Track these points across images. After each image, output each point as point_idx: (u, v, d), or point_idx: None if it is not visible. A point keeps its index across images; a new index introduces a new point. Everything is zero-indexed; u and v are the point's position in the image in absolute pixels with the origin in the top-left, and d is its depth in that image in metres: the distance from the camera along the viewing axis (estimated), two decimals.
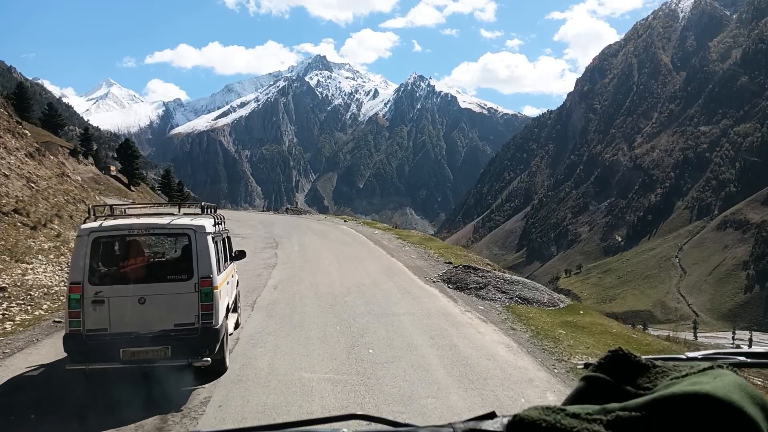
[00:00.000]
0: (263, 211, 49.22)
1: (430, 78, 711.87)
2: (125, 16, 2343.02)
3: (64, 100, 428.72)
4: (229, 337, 8.02)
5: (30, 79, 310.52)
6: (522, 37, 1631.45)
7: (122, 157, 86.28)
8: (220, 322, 7.17)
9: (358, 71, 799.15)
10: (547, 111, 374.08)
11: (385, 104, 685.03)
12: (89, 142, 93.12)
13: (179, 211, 8.38)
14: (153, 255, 9.02)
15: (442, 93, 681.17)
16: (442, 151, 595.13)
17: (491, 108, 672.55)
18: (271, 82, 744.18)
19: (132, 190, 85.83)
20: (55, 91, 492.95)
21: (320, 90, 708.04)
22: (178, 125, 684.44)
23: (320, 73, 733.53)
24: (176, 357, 6.85)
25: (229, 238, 9.46)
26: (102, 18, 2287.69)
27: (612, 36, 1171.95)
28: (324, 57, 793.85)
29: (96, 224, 7.18)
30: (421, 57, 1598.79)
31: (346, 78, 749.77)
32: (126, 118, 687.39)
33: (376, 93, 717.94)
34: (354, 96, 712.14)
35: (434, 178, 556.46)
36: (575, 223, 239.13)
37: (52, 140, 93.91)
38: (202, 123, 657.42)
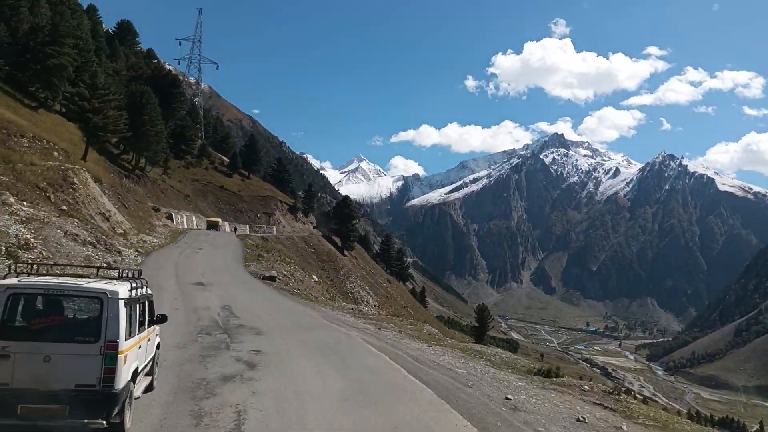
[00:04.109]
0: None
1: (682, 157, 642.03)
2: (378, 101, 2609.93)
3: (322, 172, 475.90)
4: (134, 400, 8.03)
5: (297, 153, 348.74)
6: None
7: (338, 216, 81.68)
8: (121, 387, 7.21)
9: (597, 149, 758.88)
10: None
11: (627, 184, 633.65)
12: (311, 201, 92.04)
13: (97, 273, 8.67)
14: (67, 315, 8.01)
15: (696, 174, 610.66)
16: (694, 238, 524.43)
17: (758, 192, 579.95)
18: (505, 159, 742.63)
19: (345, 255, 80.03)
20: (315, 164, 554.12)
21: (555, 167, 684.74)
22: (414, 198, 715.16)
23: (556, 151, 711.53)
24: (73, 417, 6.81)
25: (151, 302, 9.47)
26: (358, 102, 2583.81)
27: None
28: (561, 135, 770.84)
29: (14, 281, 7.38)
30: (669, 136, 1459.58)
31: (584, 156, 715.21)
32: (370, 190, 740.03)
33: (617, 172, 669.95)
34: (592, 174, 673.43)
35: (684, 268, 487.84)
36: None
37: (273, 194, 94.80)
38: (435, 196, 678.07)
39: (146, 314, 9.13)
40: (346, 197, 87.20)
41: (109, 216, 30.53)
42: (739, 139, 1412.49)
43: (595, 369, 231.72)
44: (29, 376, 6.85)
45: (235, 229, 64.23)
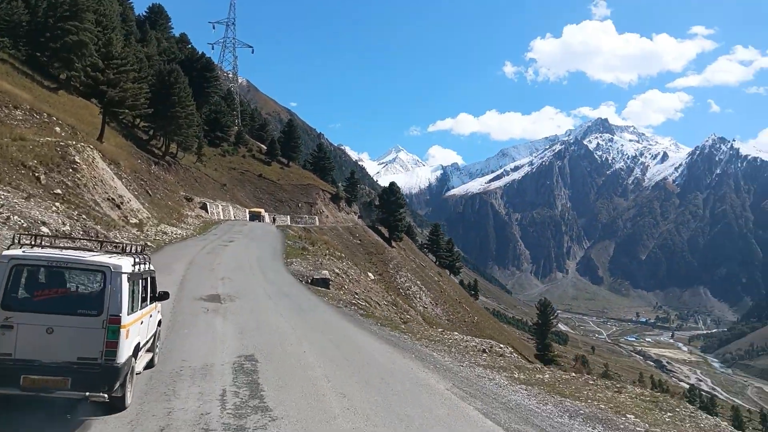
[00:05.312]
0: None
1: (733, 140, 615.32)
2: (414, 90, 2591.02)
3: (360, 163, 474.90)
4: (135, 375, 8.02)
5: (335, 144, 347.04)
6: None
7: (384, 205, 75.72)
8: (122, 361, 7.20)
9: (643, 134, 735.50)
10: None
11: (676, 169, 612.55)
12: (354, 189, 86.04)
13: (100, 248, 8.55)
14: (70, 288, 7.93)
15: (749, 157, 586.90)
16: (748, 224, 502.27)
17: None
18: (547, 146, 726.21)
19: (392, 246, 74.16)
20: (353, 155, 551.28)
21: (599, 153, 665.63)
22: (453, 187, 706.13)
23: (600, 136, 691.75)
24: (75, 389, 6.85)
25: (153, 278, 9.41)
26: (395, 92, 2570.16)
27: None
28: (605, 120, 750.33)
29: (17, 252, 7.38)
30: (719, 118, 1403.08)
31: (630, 141, 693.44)
32: (409, 180, 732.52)
33: (664, 156, 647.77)
34: (638, 160, 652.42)
35: (738, 256, 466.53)
36: None
37: (314, 183, 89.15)
38: (475, 186, 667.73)
39: (148, 290, 9.02)
40: (393, 183, 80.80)
41: (122, 203, 25.15)
42: None
43: (648, 362, 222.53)
44: (32, 347, 6.86)
45: (274, 219, 59.30)
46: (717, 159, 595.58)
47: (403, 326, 17.42)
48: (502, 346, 14.95)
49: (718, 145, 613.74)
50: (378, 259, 60.65)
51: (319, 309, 17.42)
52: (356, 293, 22.48)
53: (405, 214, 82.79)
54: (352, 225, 72.27)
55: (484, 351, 13.49)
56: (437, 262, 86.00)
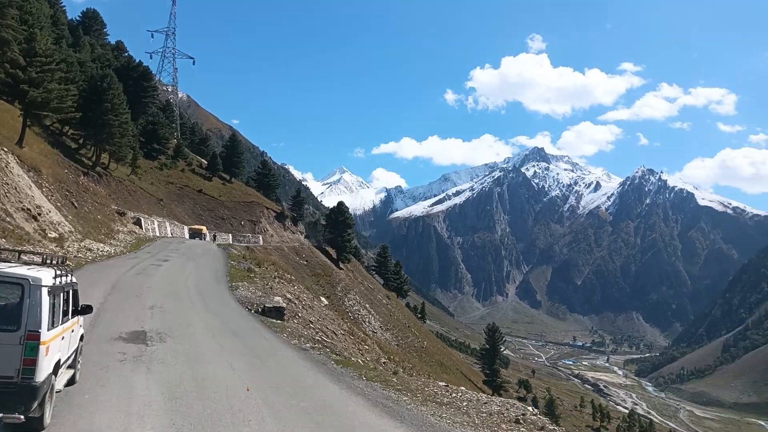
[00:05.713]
0: None
1: (661, 172, 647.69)
2: (359, 112, 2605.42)
3: (304, 183, 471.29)
4: (56, 393, 7.52)
5: (278, 163, 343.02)
6: None
7: (331, 224, 73.13)
8: (41, 379, 6.80)
9: (577, 163, 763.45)
10: None
11: (608, 198, 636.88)
12: (300, 208, 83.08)
13: (18, 258, 8.20)
14: None
15: (676, 188, 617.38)
16: (676, 252, 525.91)
17: (737, 207, 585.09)
18: (487, 173, 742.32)
19: (340, 268, 71.53)
20: (297, 174, 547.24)
21: (536, 181, 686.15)
22: (397, 210, 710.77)
23: (537, 165, 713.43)
24: None
25: (75, 291, 8.96)
26: (340, 114, 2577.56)
27: None
28: (542, 149, 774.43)
29: None
30: (647, 150, 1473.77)
31: (565, 170, 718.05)
32: (353, 202, 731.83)
33: (597, 186, 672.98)
34: (573, 188, 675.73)
35: (667, 282, 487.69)
36: None
37: (258, 200, 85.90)
38: (418, 209, 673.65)
39: (70, 304, 8.59)
40: (341, 203, 78.18)
41: (39, 214, 21.77)
42: (715, 154, 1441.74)
43: (586, 386, 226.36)
44: None
45: (215, 237, 55.57)
46: (647, 189, 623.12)
47: (394, 380, 13.76)
48: (530, 409, 12.15)
49: (647, 177, 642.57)
50: (326, 281, 57.93)
51: (280, 353, 13.59)
52: (311, 322, 19.46)
53: (353, 235, 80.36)
54: (299, 245, 69.32)
55: (517, 421, 10.13)
56: (385, 285, 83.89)
